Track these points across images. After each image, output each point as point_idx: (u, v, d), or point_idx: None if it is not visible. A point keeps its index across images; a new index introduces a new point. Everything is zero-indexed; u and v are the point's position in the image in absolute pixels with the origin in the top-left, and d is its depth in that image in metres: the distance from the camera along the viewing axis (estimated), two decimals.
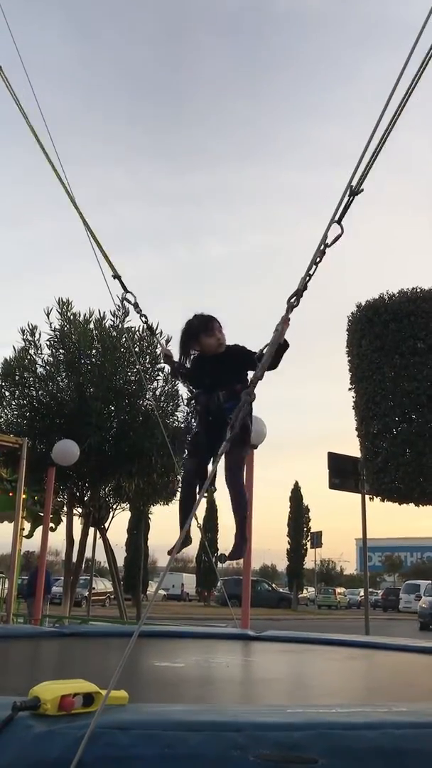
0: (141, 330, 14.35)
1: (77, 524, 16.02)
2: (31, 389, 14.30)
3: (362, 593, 27.44)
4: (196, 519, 4.03)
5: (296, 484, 46.48)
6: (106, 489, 15.45)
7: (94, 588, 23.68)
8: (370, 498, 14.37)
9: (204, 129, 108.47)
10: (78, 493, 15.30)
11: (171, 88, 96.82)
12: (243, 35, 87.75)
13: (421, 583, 39.16)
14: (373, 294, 14.46)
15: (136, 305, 4.58)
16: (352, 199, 2.77)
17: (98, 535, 16.09)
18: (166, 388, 14.36)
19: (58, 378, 14.41)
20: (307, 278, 2.97)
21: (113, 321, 14.34)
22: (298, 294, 2.73)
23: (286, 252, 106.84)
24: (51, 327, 14.37)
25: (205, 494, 4.14)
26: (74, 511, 15.83)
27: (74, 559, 16.04)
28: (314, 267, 2.92)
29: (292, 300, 2.72)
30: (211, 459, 3.89)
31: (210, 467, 3.88)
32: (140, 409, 13.95)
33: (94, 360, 14.20)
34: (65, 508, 15.69)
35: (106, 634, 5.82)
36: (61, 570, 20.46)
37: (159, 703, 2.19)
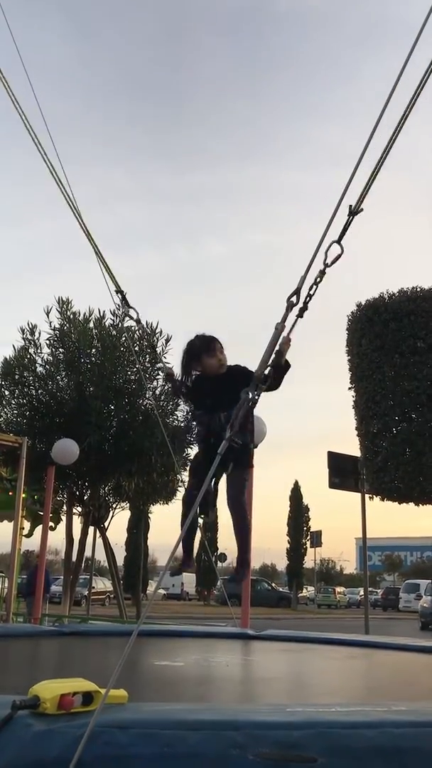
0: (140, 329, 14.33)
1: (77, 523, 16.04)
2: (30, 388, 14.30)
3: (362, 592, 27.46)
4: (197, 519, 4.02)
5: (296, 483, 46.54)
6: (106, 488, 15.45)
7: (93, 587, 23.68)
8: (370, 497, 14.38)
9: (204, 129, 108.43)
10: (78, 492, 15.31)
11: (171, 88, 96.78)
12: (243, 35, 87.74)
13: (420, 583, 39.18)
14: (373, 293, 14.50)
15: (138, 321, 4.60)
16: (352, 219, 2.79)
17: (98, 534, 16.08)
18: (166, 387, 14.36)
19: (58, 377, 14.42)
20: (308, 299, 3.00)
21: (113, 320, 14.35)
22: (298, 298, 2.73)
23: (286, 252, 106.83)
24: (51, 326, 14.39)
25: (206, 518, 4.15)
26: (74, 510, 15.84)
27: (74, 558, 16.04)
28: (315, 287, 2.96)
29: (292, 299, 2.72)
30: (213, 480, 3.89)
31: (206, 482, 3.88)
32: (140, 409, 13.95)
33: (93, 359, 14.20)
34: (65, 507, 15.70)
35: (106, 633, 5.82)
36: (61, 569, 20.44)
37: (158, 702, 2.19)
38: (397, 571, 65.97)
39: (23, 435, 11.81)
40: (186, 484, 4.08)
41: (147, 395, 13.83)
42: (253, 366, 3.57)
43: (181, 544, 4.21)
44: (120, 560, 26.85)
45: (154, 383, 14.36)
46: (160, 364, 6.40)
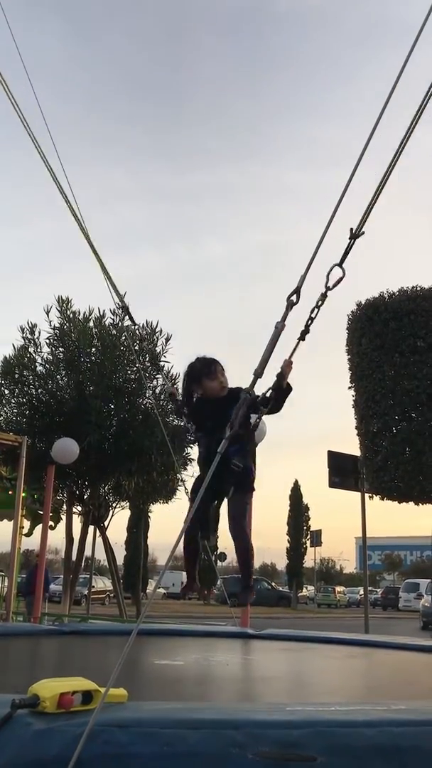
0: (141, 329, 14.37)
1: (77, 522, 16.06)
2: (30, 387, 14.31)
3: (362, 592, 27.47)
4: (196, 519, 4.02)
5: (296, 483, 46.58)
6: (106, 487, 15.46)
7: (93, 586, 23.69)
8: (370, 496, 14.38)
9: (204, 129, 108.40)
10: (78, 492, 15.31)
11: (171, 88, 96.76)
12: (243, 35, 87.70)
13: (420, 582, 39.21)
14: (373, 292, 14.49)
15: (142, 339, 4.62)
16: (353, 242, 2.80)
17: (98, 533, 16.09)
18: (166, 387, 14.37)
19: (58, 376, 14.43)
20: (310, 321, 3.01)
21: (113, 319, 14.36)
22: (298, 297, 2.72)
23: (286, 251, 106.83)
24: (51, 325, 14.40)
25: (207, 542, 4.16)
26: (74, 510, 15.85)
27: (74, 557, 16.06)
28: (316, 310, 2.97)
29: (292, 298, 2.72)
30: (214, 503, 3.90)
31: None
32: (140, 408, 13.96)
33: (93, 358, 14.21)
34: (65, 507, 15.71)
35: (106, 633, 5.82)
36: (61, 568, 20.45)
37: (158, 701, 2.18)
38: (397, 571, 66.03)
39: (23, 434, 11.81)
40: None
41: (147, 394, 13.84)
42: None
43: (185, 567, 4.23)
44: (120, 559, 26.88)
45: (154, 382, 14.37)
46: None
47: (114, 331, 14.33)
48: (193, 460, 13.54)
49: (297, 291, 2.72)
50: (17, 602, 13.47)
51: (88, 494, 15.16)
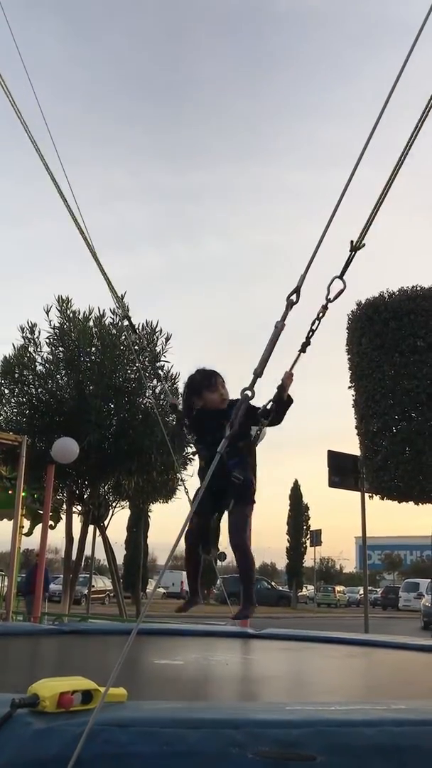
0: (141, 328, 14.38)
1: (77, 522, 16.05)
2: (30, 387, 14.31)
3: (362, 591, 27.47)
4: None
5: (296, 482, 46.62)
6: (106, 487, 15.45)
7: (93, 586, 23.71)
8: (370, 496, 14.38)
9: (204, 129, 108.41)
10: (77, 491, 15.31)
11: (171, 88, 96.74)
12: (243, 35, 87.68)
13: (420, 582, 39.22)
14: (373, 292, 14.47)
15: (143, 348, 4.64)
16: (354, 255, 2.81)
17: (98, 532, 16.10)
18: (166, 386, 14.37)
19: (58, 376, 14.42)
20: (311, 333, 3.02)
21: (113, 319, 14.35)
22: (298, 296, 2.72)
23: (286, 251, 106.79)
24: (50, 325, 14.40)
25: (208, 556, 4.16)
26: (74, 509, 15.85)
27: (74, 556, 16.06)
28: (317, 323, 2.98)
29: (292, 297, 2.72)
30: (215, 516, 3.90)
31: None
32: (140, 407, 13.95)
33: (93, 358, 14.21)
34: (65, 506, 15.71)
35: (105, 632, 5.81)
36: (61, 568, 20.45)
37: (158, 701, 2.19)
38: (397, 570, 66.05)
39: (23, 433, 11.81)
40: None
41: (147, 394, 13.84)
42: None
43: (187, 580, 4.23)
44: (120, 559, 26.90)
45: (154, 382, 14.37)
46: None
47: (114, 331, 14.32)
48: (193, 459, 13.54)
49: (297, 290, 2.72)
50: (17, 602, 13.47)
51: (88, 494, 15.16)
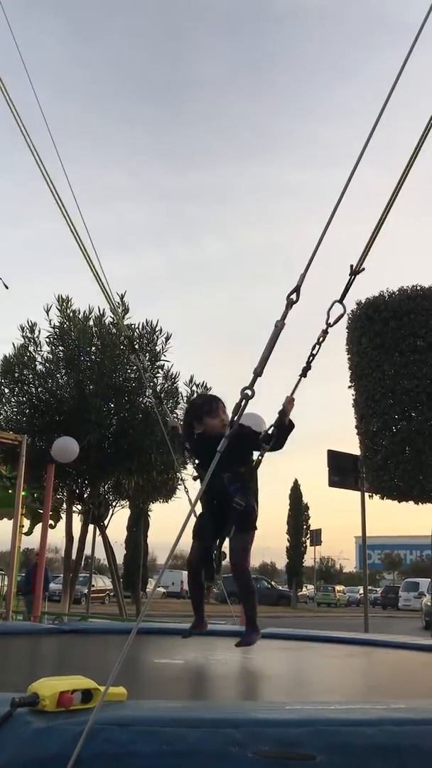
0: (141, 327, 14.39)
1: (77, 521, 16.04)
2: (30, 386, 14.30)
3: (361, 591, 27.48)
4: (195, 514, 4.01)
5: (296, 482, 46.58)
6: (106, 486, 15.45)
7: (93, 585, 23.70)
8: (370, 496, 14.38)
9: (204, 129, 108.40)
10: (77, 491, 15.31)
11: (171, 88, 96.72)
12: (243, 35, 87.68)
13: (420, 581, 39.22)
14: (373, 291, 14.46)
15: (145, 370, 4.64)
16: (354, 279, 2.82)
17: (98, 532, 16.09)
18: (166, 386, 14.37)
19: (58, 375, 14.41)
20: (311, 358, 3.02)
21: (113, 318, 14.33)
22: (298, 295, 2.73)
23: (286, 250, 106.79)
24: (50, 324, 14.39)
25: (210, 582, 4.16)
26: (74, 509, 15.84)
27: (74, 556, 16.05)
28: (318, 347, 2.99)
29: (292, 296, 2.72)
30: (217, 542, 3.89)
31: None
32: (140, 407, 13.95)
33: (93, 357, 14.20)
34: (65, 505, 15.70)
35: (105, 631, 5.82)
36: (61, 567, 20.45)
37: (158, 700, 2.19)
38: (397, 570, 66.09)
39: (23, 433, 11.81)
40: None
41: (147, 393, 13.83)
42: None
43: (192, 606, 4.23)
44: (120, 558, 26.88)
45: (154, 381, 14.37)
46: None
47: (114, 330, 14.32)
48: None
49: (297, 290, 2.72)
50: (17, 601, 13.47)
51: (88, 493, 15.16)
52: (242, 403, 2.78)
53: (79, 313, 14.51)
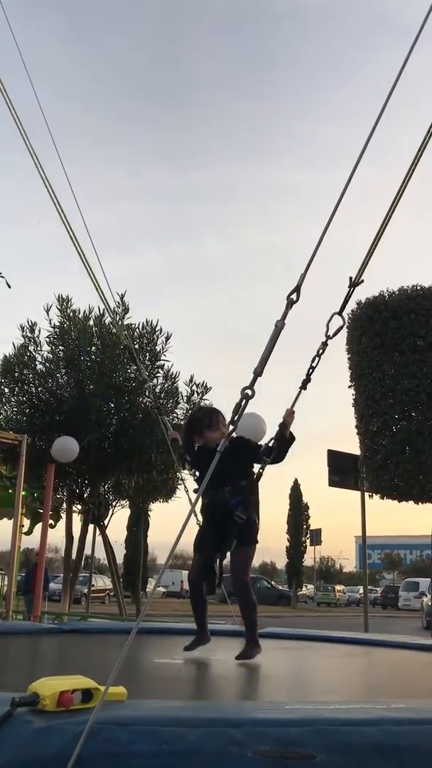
0: (141, 327, 14.39)
1: (77, 521, 16.04)
2: (30, 386, 14.30)
3: (361, 591, 27.48)
4: (195, 514, 4.01)
5: (296, 482, 46.57)
6: (106, 486, 15.45)
7: (93, 585, 23.70)
8: (370, 495, 14.38)
9: (204, 129, 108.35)
10: (77, 490, 15.31)
11: (171, 88, 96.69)
12: (243, 35, 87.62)
13: (420, 581, 39.20)
14: (373, 291, 14.45)
15: (145, 380, 4.66)
16: (353, 291, 2.83)
17: (98, 532, 16.10)
18: (166, 386, 14.37)
19: (58, 375, 14.41)
20: (311, 371, 3.03)
21: (112, 318, 14.32)
22: (298, 295, 2.72)
23: (286, 250, 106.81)
24: (50, 324, 14.38)
25: (212, 596, 4.16)
26: (74, 508, 15.84)
27: (74, 556, 16.05)
28: (317, 359, 2.99)
29: (292, 296, 2.73)
30: (218, 555, 3.89)
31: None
32: (140, 406, 13.95)
33: (93, 357, 14.20)
34: (65, 505, 15.70)
35: (105, 631, 5.82)
36: (61, 567, 20.45)
37: (158, 700, 2.19)
38: (397, 570, 66.08)
39: (23, 433, 11.80)
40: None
41: (147, 393, 13.82)
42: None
43: (194, 619, 4.23)
44: (120, 558, 26.89)
45: (154, 381, 14.36)
46: (167, 424, 6.26)
47: (114, 330, 14.31)
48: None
49: (297, 289, 2.72)
50: (17, 601, 13.47)
51: (88, 493, 15.15)
52: (242, 403, 2.78)
53: (79, 313, 14.51)
